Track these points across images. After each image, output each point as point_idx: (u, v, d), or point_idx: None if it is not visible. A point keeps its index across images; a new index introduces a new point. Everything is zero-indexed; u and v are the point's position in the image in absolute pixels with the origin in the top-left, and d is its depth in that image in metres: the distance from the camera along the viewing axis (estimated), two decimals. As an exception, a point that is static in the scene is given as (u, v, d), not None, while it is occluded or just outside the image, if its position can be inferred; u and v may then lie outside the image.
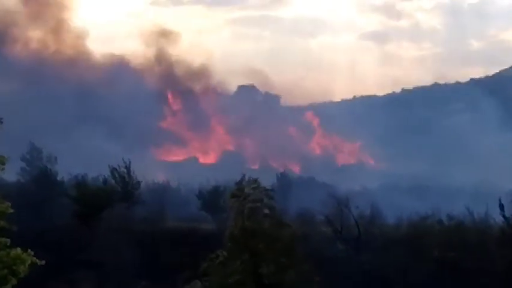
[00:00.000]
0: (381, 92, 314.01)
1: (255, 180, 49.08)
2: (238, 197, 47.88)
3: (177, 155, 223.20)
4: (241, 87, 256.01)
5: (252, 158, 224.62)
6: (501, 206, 78.28)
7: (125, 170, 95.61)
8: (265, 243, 47.23)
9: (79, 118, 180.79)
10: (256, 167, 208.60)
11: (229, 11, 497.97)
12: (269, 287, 46.48)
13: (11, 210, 22.53)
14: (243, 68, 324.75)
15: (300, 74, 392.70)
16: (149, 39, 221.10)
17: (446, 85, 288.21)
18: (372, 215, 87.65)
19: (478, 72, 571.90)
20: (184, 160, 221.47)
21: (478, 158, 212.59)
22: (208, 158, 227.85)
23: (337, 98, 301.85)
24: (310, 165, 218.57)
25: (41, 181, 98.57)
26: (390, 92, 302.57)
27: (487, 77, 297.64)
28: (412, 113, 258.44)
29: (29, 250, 22.38)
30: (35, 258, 22.29)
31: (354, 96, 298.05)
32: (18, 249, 22.16)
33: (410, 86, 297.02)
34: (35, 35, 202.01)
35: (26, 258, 22.11)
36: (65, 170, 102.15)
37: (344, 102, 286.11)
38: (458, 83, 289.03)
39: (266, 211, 48.47)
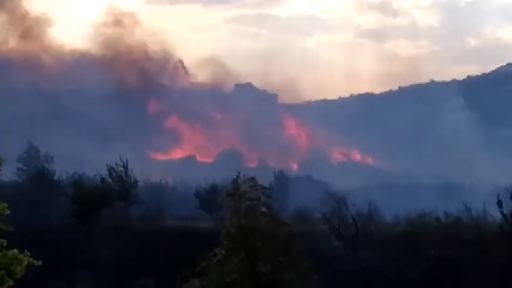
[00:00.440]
0: (377, 90, 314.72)
1: (252, 179, 48.89)
2: (233, 195, 47.70)
3: (175, 154, 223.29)
4: (238, 86, 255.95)
5: (250, 156, 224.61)
6: (499, 203, 78.15)
7: (123, 169, 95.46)
8: (262, 242, 47.02)
9: (42, 115, 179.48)
10: (254, 165, 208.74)
11: (227, 9, 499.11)
12: (266, 285, 46.30)
13: (8, 212, 22.43)
14: (240, 67, 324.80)
15: (297, 72, 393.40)
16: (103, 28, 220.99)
17: (443, 83, 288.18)
18: (369, 212, 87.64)
19: (475, 69, 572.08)
20: (182, 158, 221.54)
21: (476, 154, 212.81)
22: (206, 157, 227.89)
23: (334, 96, 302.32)
24: (307, 163, 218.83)
25: (38, 180, 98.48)
26: (387, 89, 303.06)
27: (483, 75, 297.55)
28: (409, 111, 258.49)
29: (26, 251, 22.29)
30: (32, 258, 22.21)
31: (351, 94, 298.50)
32: (15, 250, 22.06)
33: (407, 84, 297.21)
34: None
35: (23, 259, 22.02)
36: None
37: (341, 100, 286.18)
38: (454, 81, 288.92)
39: (263, 209, 48.31)
